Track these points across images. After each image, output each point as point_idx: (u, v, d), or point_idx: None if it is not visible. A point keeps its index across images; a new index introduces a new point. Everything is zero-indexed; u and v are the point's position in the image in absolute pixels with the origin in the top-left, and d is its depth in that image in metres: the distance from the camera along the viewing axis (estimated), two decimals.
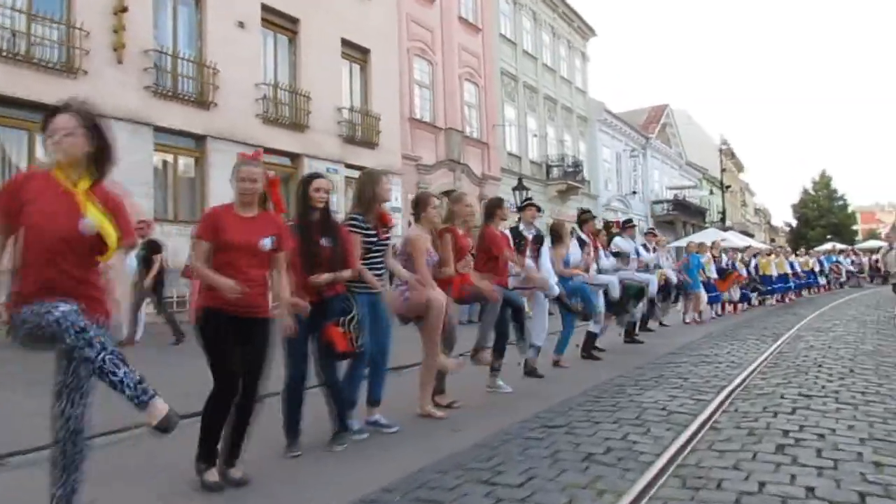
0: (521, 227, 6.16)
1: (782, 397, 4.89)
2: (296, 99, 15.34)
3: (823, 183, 59.13)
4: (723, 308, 13.51)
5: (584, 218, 7.58)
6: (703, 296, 11.86)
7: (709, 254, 12.92)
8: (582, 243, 7.03)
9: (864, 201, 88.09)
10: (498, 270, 5.43)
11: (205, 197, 13.25)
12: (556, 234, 6.79)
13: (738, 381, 5.57)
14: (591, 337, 7.52)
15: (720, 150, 36.43)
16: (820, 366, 6.33)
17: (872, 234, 70.56)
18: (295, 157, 15.30)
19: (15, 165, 10.86)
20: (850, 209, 59.79)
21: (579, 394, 5.20)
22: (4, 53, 10.36)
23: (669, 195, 39.79)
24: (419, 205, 4.66)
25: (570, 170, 28.18)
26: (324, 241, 3.74)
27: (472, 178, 22.07)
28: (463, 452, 3.64)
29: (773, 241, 58.62)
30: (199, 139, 13.38)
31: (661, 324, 11.08)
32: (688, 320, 11.76)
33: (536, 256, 6.22)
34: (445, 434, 4.08)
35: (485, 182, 22.37)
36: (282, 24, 15.42)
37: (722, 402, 4.73)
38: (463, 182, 21.35)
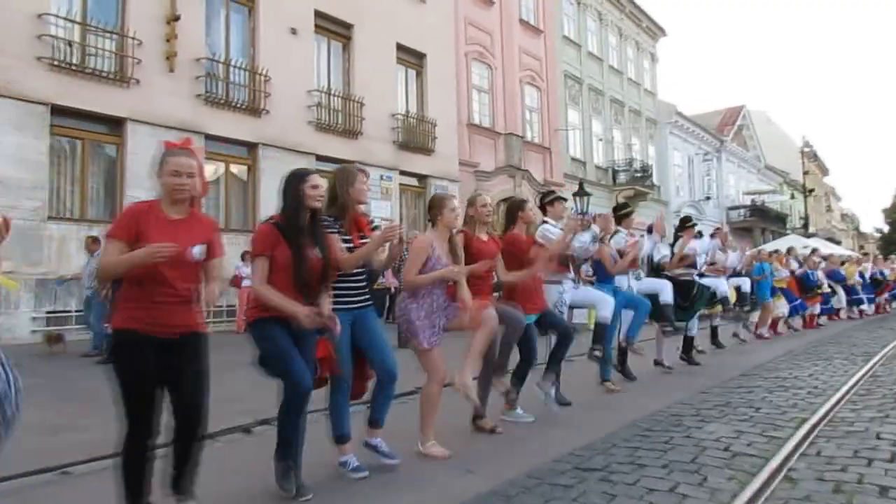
0: (549, 225, 5.42)
1: (878, 437, 4.03)
2: (349, 105, 15.10)
3: None
4: (807, 322, 12.33)
5: (622, 214, 6.71)
6: (777, 308, 10.83)
7: (781, 263, 11.78)
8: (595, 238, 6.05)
9: None
10: (528, 291, 4.81)
11: (256, 205, 13.14)
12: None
13: (821, 412, 4.71)
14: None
15: (802, 152, 34.21)
16: None
17: None
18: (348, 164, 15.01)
19: (70, 174, 11.00)
20: None
21: (627, 425, 4.49)
22: (59, 64, 10.48)
23: (746, 200, 37.73)
24: (433, 207, 4.07)
25: (639, 174, 27.01)
26: (315, 252, 3.22)
27: (534, 184, 21.34)
28: (471, 503, 3.04)
29: (861, 248, 54.86)
30: (251, 147, 13.28)
31: (738, 338, 10.12)
32: (765, 335, 10.70)
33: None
34: (456, 475, 3.47)
35: (546, 188, 21.57)
36: (335, 31, 15.23)
37: (800, 442, 3.92)
38: (524, 188, 20.66)
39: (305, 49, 14.25)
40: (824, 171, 59.43)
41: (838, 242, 45.28)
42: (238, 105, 12.93)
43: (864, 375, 6.49)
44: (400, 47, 16.63)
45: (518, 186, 20.51)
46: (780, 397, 5.43)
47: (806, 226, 32.63)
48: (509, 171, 20.34)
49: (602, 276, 6.17)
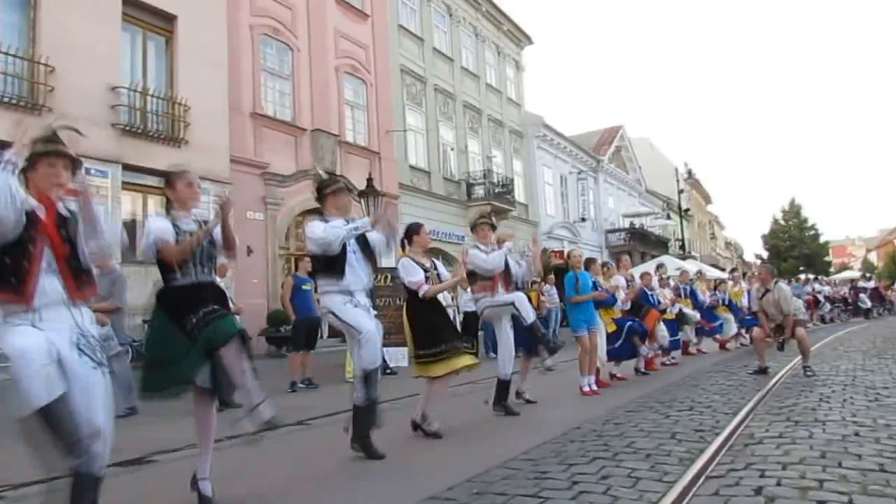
0: None
1: None
2: (32, 68, 10.52)
3: (794, 211, 55.35)
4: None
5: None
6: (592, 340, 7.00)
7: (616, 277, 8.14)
8: None
9: (834, 235, 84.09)
10: None
11: None
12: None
13: None
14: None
15: (676, 170, 32.14)
16: None
17: (844, 268, 66.77)
18: None
19: None
20: (822, 240, 55.68)
21: None
22: None
23: (626, 223, 35.33)
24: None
25: (499, 189, 23.53)
26: None
27: (354, 195, 17.23)
28: None
29: (745, 274, 54.40)
30: None
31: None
32: (588, 386, 6.82)
33: None
34: None
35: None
36: None
37: None
38: None
39: None
40: (707, 200, 59.24)
41: (723, 269, 43.89)
42: None
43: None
44: (130, 2, 12.23)
45: None
46: None
47: (682, 247, 30.24)
48: (316, 176, 16.13)
49: None
